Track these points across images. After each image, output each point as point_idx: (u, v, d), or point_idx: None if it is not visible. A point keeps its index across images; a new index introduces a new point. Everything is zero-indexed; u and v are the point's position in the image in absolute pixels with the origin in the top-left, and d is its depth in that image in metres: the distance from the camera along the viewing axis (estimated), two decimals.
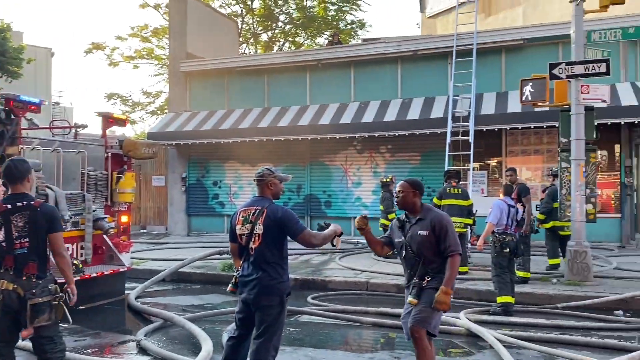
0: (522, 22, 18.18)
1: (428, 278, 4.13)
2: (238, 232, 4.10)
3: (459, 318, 6.57)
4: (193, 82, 17.06)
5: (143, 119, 30.46)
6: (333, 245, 4.17)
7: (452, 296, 4.05)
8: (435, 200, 9.97)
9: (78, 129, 8.77)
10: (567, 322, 6.78)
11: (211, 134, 15.26)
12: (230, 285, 4.22)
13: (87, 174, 8.08)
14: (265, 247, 4.00)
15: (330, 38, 19.46)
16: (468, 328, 6.24)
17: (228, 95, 16.51)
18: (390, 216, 11.31)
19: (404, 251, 4.25)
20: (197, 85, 17.00)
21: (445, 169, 11.09)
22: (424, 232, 4.13)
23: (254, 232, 4.02)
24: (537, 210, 10.42)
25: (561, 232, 9.65)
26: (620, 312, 7.41)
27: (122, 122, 8.96)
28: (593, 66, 8.57)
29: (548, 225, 9.80)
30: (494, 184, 13.79)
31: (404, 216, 4.38)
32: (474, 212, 9.74)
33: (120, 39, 27.96)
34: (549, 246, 9.95)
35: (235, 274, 4.17)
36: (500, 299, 7.27)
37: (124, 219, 8.64)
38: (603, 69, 8.52)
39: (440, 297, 3.96)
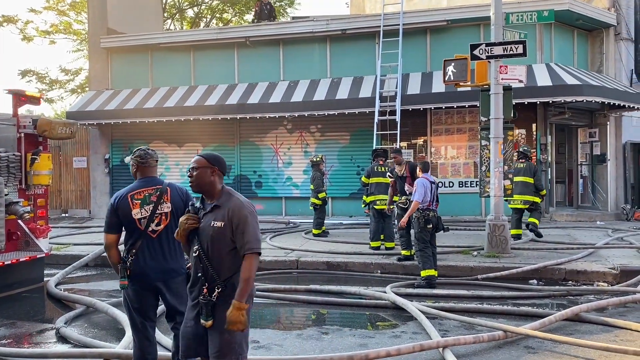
0: (446, 4, 18.61)
1: (219, 289, 3.19)
2: (136, 216, 3.83)
3: (385, 292, 6.77)
4: (115, 59, 16.31)
5: (62, 97, 28.85)
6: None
7: (249, 310, 3.16)
8: (363, 178, 10.16)
9: None
10: (486, 293, 7.13)
11: (135, 113, 14.71)
12: (122, 279, 3.83)
13: None
14: (174, 225, 3.84)
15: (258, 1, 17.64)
16: (393, 301, 6.43)
17: (152, 73, 15.92)
18: (320, 195, 11.39)
19: (195, 246, 3.31)
20: (119, 62, 16.27)
21: (373, 148, 11.28)
22: (218, 224, 3.22)
23: (158, 211, 3.88)
24: None
25: (509, 205, 10.22)
26: (534, 281, 7.90)
27: (35, 100, 8.42)
28: (511, 47, 8.92)
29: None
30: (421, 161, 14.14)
31: (199, 202, 3.49)
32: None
33: (34, 12, 26.13)
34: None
35: (125, 265, 3.82)
36: (424, 273, 7.54)
37: (41, 202, 8.20)
38: (520, 50, 8.88)
39: (233, 316, 3.06)
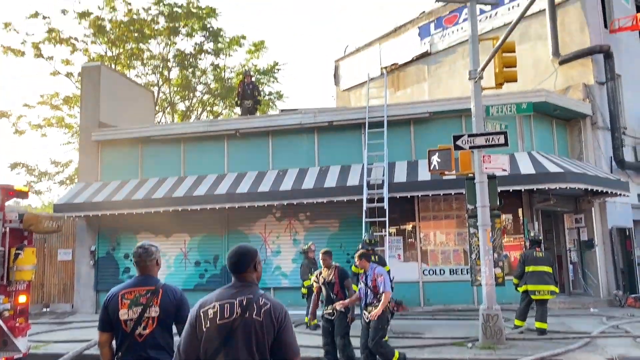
0: (427, 96, 19.40)
1: None
2: (122, 317, 3.65)
3: None
4: (105, 152, 16.52)
5: (50, 189, 28.94)
6: None
7: None
8: (353, 268, 10.04)
9: None
10: None
11: (122, 204, 14.68)
12: None
13: None
14: (160, 331, 3.66)
15: (243, 78, 17.65)
16: None
17: (142, 165, 16.10)
18: (305, 283, 11.21)
19: None
20: (110, 154, 16.48)
21: (363, 237, 11.25)
22: None
23: (146, 315, 3.65)
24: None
25: (533, 297, 10.01)
26: None
27: (23, 194, 8.39)
28: (492, 138, 9.20)
29: (522, 289, 10.19)
30: (411, 248, 14.13)
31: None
32: (392, 278, 9.86)
33: (28, 107, 26.81)
34: (519, 307, 10.36)
35: None
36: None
37: (22, 299, 7.90)
38: (501, 140, 9.16)
39: None
